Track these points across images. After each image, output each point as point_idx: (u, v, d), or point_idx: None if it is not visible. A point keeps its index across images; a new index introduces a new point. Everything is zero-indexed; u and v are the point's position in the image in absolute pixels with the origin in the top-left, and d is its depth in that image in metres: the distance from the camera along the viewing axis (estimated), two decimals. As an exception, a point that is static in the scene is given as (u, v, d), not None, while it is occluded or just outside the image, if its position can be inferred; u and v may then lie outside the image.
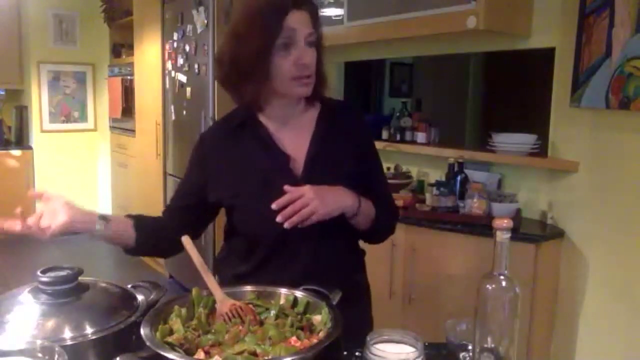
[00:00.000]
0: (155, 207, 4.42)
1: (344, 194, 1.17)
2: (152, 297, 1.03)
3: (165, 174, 4.28)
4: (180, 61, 3.92)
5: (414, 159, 3.00)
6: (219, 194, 1.25)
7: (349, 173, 1.24)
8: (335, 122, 1.28)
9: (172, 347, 0.84)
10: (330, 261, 1.24)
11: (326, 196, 1.13)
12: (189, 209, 1.30)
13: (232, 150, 1.26)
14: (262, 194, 1.18)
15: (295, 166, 1.23)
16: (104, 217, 1.17)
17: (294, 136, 1.26)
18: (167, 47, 4.11)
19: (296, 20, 1.15)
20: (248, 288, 1.06)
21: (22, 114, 5.51)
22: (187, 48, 3.80)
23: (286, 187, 1.11)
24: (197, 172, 1.30)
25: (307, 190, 1.10)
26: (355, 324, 0.97)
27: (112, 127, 5.25)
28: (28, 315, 0.91)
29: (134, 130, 4.78)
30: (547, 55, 2.44)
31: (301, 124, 1.27)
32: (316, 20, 1.21)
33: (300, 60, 1.15)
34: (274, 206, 1.09)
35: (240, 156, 1.25)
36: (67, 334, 0.88)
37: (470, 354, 0.93)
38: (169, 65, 4.11)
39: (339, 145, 1.27)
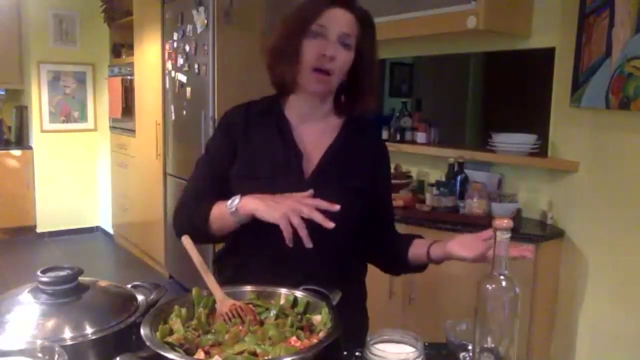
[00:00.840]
0: (155, 207, 4.42)
1: None
2: (152, 297, 1.03)
3: (165, 174, 4.28)
4: (180, 61, 3.92)
5: (414, 159, 3.00)
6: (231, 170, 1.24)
7: (357, 188, 1.24)
8: (358, 135, 1.29)
9: (172, 347, 0.84)
10: (325, 260, 1.22)
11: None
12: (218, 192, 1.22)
13: (251, 133, 1.26)
14: (266, 184, 1.17)
15: (307, 167, 1.23)
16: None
17: (314, 138, 1.26)
18: (167, 47, 4.11)
19: (336, 16, 1.18)
20: (248, 288, 1.06)
21: (22, 114, 5.51)
22: (187, 48, 3.80)
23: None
24: (225, 144, 1.27)
25: None
26: (353, 325, 0.97)
27: (112, 127, 5.25)
28: (28, 315, 0.91)
29: (134, 130, 4.78)
30: (547, 55, 2.44)
31: (323, 129, 1.27)
32: (364, 29, 1.22)
33: (323, 50, 1.16)
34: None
35: (257, 141, 1.25)
36: (67, 334, 0.88)
37: (470, 354, 0.93)
38: (169, 65, 4.11)
39: (356, 160, 1.27)
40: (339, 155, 1.24)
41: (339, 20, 1.18)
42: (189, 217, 1.22)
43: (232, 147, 1.25)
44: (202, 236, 1.18)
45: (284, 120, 1.26)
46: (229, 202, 1.14)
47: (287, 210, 1.05)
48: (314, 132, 1.26)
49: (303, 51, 1.18)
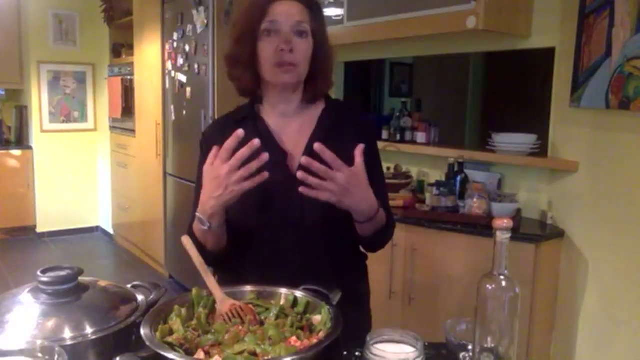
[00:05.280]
0: (155, 207, 4.43)
1: (370, 198, 1.13)
2: (152, 297, 1.03)
3: (165, 174, 4.28)
4: (180, 61, 3.92)
5: (414, 159, 3.00)
6: None
7: None
8: (338, 121, 1.27)
9: (172, 347, 0.84)
10: (321, 258, 1.22)
11: (356, 192, 1.09)
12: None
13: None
14: (256, 190, 1.17)
15: (293, 163, 1.22)
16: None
17: (295, 133, 1.25)
18: (167, 47, 4.11)
19: (283, 9, 1.18)
20: (248, 288, 1.06)
21: (22, 114, 5.51)
22: (187, 48, 3.80)
23: (329, 155, 1.04)
24: None
25: (342, 177, 1.05)
26: (355, 324, 0.97)
27: (112, 127, 5.25)
28: (28, 315, 0.91)
29: (134, 130, 4.78)
30: (547, 55, 2.44)
31: (303, 122, 1.26)
32: (314, 13, 1.21)
33: (279, 45, 1.16)
34: (303, 161, 1.04)
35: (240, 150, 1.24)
36: (67, 334, 0.88)
37: (470, 354, 0.93)
38: (169, 65, 4.11)
39: (340, 146, 1.24)
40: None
41: (287, 12, 1.18)
42: (199, 250, 1.21)
43: None
44: (216, 259, 1.21)
45: (261, 123, 1.25)
46: (199, 224, 1.14)
47: (227, 182, 1.06)
48: (294, 128, 1.26)
49: (260, 53, 1.18)
